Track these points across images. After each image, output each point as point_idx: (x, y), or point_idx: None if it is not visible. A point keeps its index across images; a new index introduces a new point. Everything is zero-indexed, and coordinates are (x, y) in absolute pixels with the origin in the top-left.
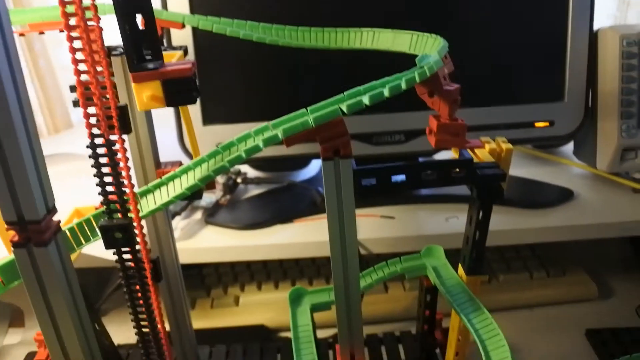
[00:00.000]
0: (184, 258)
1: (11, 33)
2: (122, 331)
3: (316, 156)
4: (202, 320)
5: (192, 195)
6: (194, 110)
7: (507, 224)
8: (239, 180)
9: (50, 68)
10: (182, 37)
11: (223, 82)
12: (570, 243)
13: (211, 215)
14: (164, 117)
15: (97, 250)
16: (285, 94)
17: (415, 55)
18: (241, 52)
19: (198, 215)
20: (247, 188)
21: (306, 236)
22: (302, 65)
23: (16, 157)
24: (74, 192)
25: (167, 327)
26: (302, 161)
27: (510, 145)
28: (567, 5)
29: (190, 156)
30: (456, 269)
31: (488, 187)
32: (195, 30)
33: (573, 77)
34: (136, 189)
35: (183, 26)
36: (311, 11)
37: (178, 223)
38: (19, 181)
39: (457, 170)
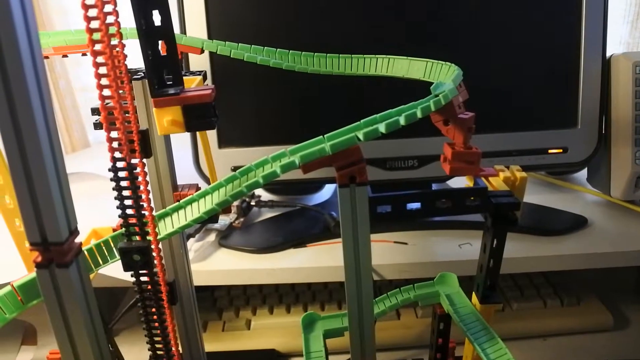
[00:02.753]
0: (197, 280)
1: (41, 57)
2: (133, 352)
3: (330, 181)
4: (213, 343)
5: (208, 219)
6: (210, 133)
7: (520, 251)
8: (252, 203)
9: (70, 89)
10: (199, 61)
11: (239, 106)
12: (585, 271)
13: (225, 238)
14: (175, 138)
15: (112, 271)
16: (301, 119)
17: (430, 83)
18: (257, 77)
19: (212, 237)
20: (261, 211)
21: (319, 260)
22: (317, 90)
23: (42, 180)
24: (91, 212)
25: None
26: (316, 185)
27: (524, 174)
28: (580, 32)
29: (205, 178)
30: (470, 297)
31: (502, 216)
32: (212, 55)
33: (586, 103)
34: (154, 212)
35: (202, 51)
36: (327, 38)
37: (192, 245)
38: (44, 203)
39: (472, 198)
